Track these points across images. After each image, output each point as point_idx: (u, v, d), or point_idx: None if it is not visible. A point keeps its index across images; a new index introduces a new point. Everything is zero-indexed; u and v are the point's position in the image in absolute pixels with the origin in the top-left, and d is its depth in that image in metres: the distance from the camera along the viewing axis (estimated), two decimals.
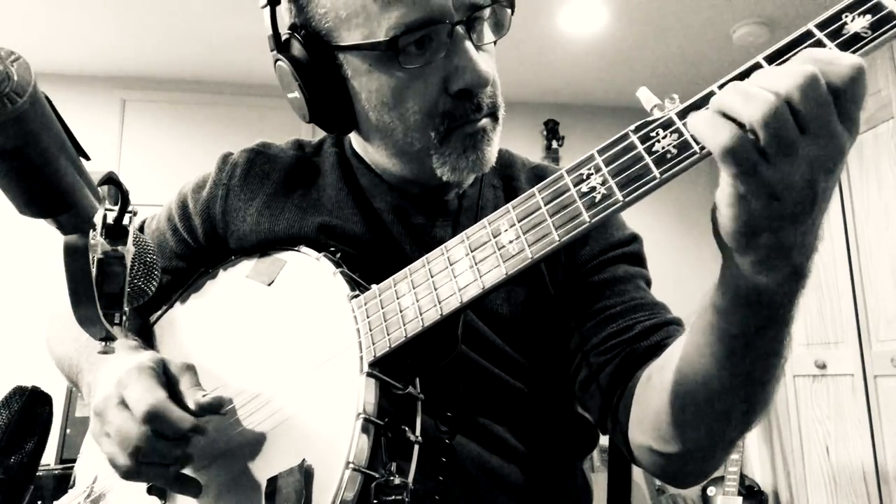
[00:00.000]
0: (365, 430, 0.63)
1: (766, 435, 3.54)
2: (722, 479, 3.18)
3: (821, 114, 0.46)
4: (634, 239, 0.90)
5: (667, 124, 0.54)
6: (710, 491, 3.21)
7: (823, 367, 3.09)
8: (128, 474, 0.69)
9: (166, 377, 0.74)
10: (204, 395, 0.71)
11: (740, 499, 3.12)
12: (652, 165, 0.54)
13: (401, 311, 0.67)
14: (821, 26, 0.51)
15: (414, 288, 0.67)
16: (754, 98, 0.46)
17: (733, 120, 0.47)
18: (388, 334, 0.67)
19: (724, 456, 0.70)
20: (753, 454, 3.62)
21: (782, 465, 3.41)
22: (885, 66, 2.83)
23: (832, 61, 0.46)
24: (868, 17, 0.49)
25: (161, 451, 0.68)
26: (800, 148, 0.46)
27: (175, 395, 0.72)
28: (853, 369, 2.94)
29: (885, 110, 2.82)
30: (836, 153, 0.47)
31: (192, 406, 0.70)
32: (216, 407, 0.71)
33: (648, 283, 0.88)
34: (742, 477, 3.21)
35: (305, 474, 0.64)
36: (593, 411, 0.82)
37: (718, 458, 0.70)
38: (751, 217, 0.49)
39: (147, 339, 0.93)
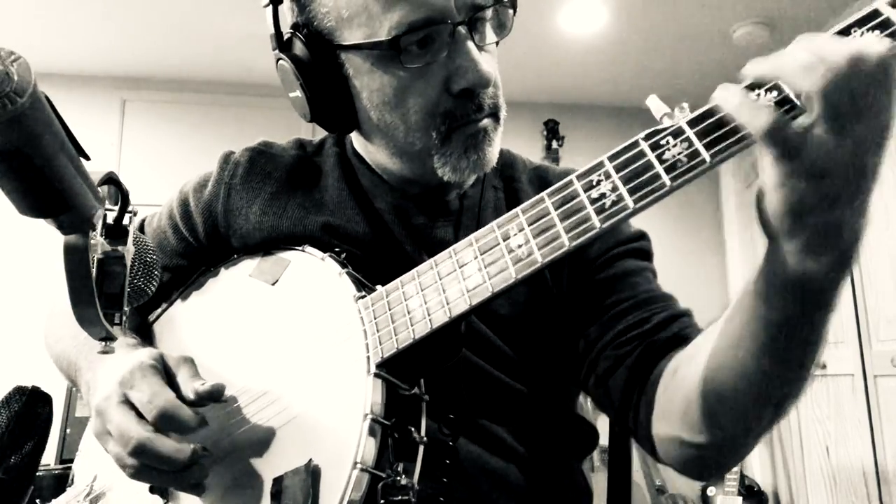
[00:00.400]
0: (372, 430, 0.63)
1: (766, 435, 3.53)
2: (722, 478, 3.18)
3: (870, 90, 0.46)
4: (642, 236, 0.90)
5: (677, 133, 0.54)
6: (710, 491, 3.21)
7: (823, 367, 3.09)
8: (135, 474, 0.69)
9: (166, 373, 0.74)
10: (202, 384, 0.70)
11: (740, 499, 3.12)
12: (663, 173, 0.54)
13: (409, 313, 0.67)
14: (894, 4, 0.50)
15: (422, 290, 0.67)
16: (813, 69, 0.46)
17: (777, 96, 0.48)
18: (396, 335, 0.67)
19: (754, 445, 0.69)
20: (753, 454, 3.62)
21: (782, 465, 3.41)
22: None
23: (869, 41, 0.47)
24: (877, 32, 0.49)
25: (164, 449, 0.68)
26: (851, 123, 0.46)
27: (174, 389, 0.72)
28: (853, 369, 2.94)
29: None
30: (881, 129, 0.47)
31: (191, 395, 0.70)
32: (216, 395, 0.70)
33: (656, 276, 0.88)
34: (742, 477, 3.21)
35: (312, 474, 0.64)
36: (610, 407, 0.81)
37: (748, 448, 0.70)
38: (799, 197, 0.48)
39: (147, 337, 0.93)
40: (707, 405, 0.66)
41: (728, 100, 0.50)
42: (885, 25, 0.49)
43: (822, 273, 0.51)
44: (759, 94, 0.51)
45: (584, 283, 0.85)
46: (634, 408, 0.77)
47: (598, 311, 0.82)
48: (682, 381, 0.69)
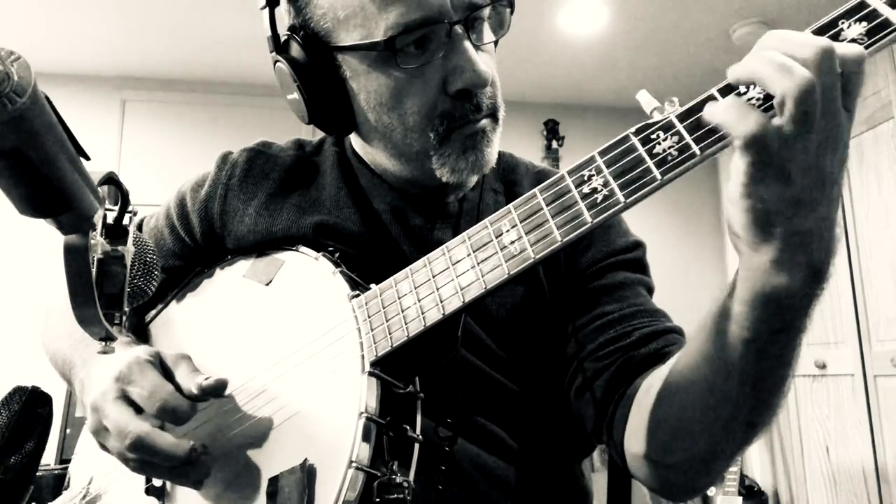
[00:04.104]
0: (367, 429, 0.63)
1: (766, 435, 3.53)
2: (722, 479, 3.18)
3: (832, 90, 0.47)
4: (637, 246, 0.88)
5: (667, 127, 0.55)
6: (711, 491, 3.21)
7: (823, 367, 3.09)
8: (137, 469, 0.69)
9: (163, 369, 0.73)
10: (206, 379, 0.70)
11: (740, 499, 3.12)
12: (653, 167, 0.54)
13: (402, 311, 0.67)
14: (818, 32, 0.51)
15: (416, 287, 0.67)
16: (790, 70, 0.46)
17: (761, 103, 0.49)
18: (390, 334, 0.67)
19: (724, 468, 0.67)
20: (753, 454, 3.62)
21: (782, 465, 3.41)
22: (885, 67, 2.83)
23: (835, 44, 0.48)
24: (864, 24, 0.50)
25: (163, 443, 0.67)
26: (815, 124, 0.47)
27: (175, 385, 0.71)
28: (853, 369, 2.94)
29: (885, 110, 2.83)
30: (838, 132, 0.47)
31: (194, 390, 0.69)
32: (219, 389, 0.70)
33: (650, 290, 0.87)
34: (742, 477, 3.22)
35: (308, 473, 0.64)
36: (588, 419, 0.79)
37: (717, 471, 0.68)
38: (764, 204, 0.48)
39: (143, 338, 0.93)
40: (675, 424, 0.65)
41: (718, 106, 0.50)
42: (870, 17, 0.50)
43: (793, 290, 0.50)
44: (743, 95, 0.51)
45: (575, 292, 0.84)
46: (609, 423, 0.76)
47: (583, 321, 0.81)
48: (655, 398, 0.68)
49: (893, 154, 2.79)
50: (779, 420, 3.45)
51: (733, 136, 0.48)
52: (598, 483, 0.91)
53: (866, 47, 0.50)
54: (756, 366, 0.56)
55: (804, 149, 0.47)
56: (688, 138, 0.53)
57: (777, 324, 0.53)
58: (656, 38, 3.28)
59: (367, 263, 0.79)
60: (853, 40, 0.50)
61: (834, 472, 3.03)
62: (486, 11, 0.77)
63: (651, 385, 0.71)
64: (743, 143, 0.47)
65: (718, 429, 0.62)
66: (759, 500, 3.27)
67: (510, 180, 0.93)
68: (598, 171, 0.57)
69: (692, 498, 0.75)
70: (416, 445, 0.65)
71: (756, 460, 3.61)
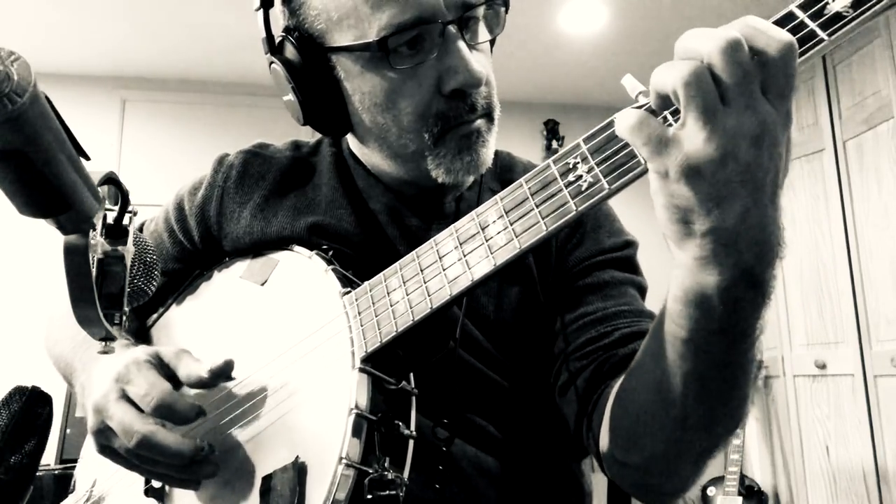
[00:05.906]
0: (357, 425, 0.63)
1: (766, 435, 3.54)
2: (722, 479, 3.18)
3: (740, 82, 0.45)
4: (628, 245, 0.87)
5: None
6: (710, 491, 3.21)
7: (823, 367, 3.09)
8: (144, 468, 0.70)
9: (163, 367, 0.74)
10: (213, 363, 0.71)
11: (740, 499, 3.12)
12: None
13: (391, 306, 0.67)
14: (803, 7, 0.50)
15: (405, 282, 0.67)
16: (672, 67, 0.46)
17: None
18: (379, 329, 0.67)
19: (692, 473, 0.65)
20: (753, 454, 3.62)
21: (782, 465, 3.41)
22: (885, 67, 2.83)
23: (764, 31, 0.46)
24: None
25: (169, 441, 0.68)
26: (719, 116, 0.45)
27: (175, 383, 0.72)
28: (853, 369, 2.94)
29: (885, 110, 2.82)
30: (758, 127, 0.45)
31: (205, 375, 0.71)
32: (228, 369, 0.72)
33: (641, 289, 0.86)
34: (742, 477, 3.21)
35: (299, 471, 0.64)
36: (570, 417, 0.79)
37: (686, 475, 0.66)
38: (676, 199, 0.47)
39: (144, 341, 0.93)
40: (631, 422, 0.64)
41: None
42: None
43: (720, 289, 0.49)
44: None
45: (562, 289, 0.84)
46: (588, 422, 0.75)
47: (568, 319, 0.81)
48: (617, 397, 0.68)
49: (893, 154, 2.79)
50: (779, 420, 3.45)
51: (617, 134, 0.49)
52: (599, 483, 0.91)
53: (852, 19, 0.48)
54: (697, 367, 0.55)
55: (707, 141, 0.45)
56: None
57: (712, 325, 0.52)
58: (656, 38, 3.28)
59: (362, 264, 0.79)
60: (838, 13, 0.49)
61: (834, 471, 3.03)
62: (481, 10, 0.77)
63: (621, 384, 0.70)
64: (627, 138, 0.48)
65: (674, 430, 0.61)
66: (758, 500, 3.27)
67: (507, 179, 0.93)
68: (583, 158, 0.56)
69: (666, 501, 0.73)
70: (411, 442, 0.65)
71: (756, 460, 3.61)
